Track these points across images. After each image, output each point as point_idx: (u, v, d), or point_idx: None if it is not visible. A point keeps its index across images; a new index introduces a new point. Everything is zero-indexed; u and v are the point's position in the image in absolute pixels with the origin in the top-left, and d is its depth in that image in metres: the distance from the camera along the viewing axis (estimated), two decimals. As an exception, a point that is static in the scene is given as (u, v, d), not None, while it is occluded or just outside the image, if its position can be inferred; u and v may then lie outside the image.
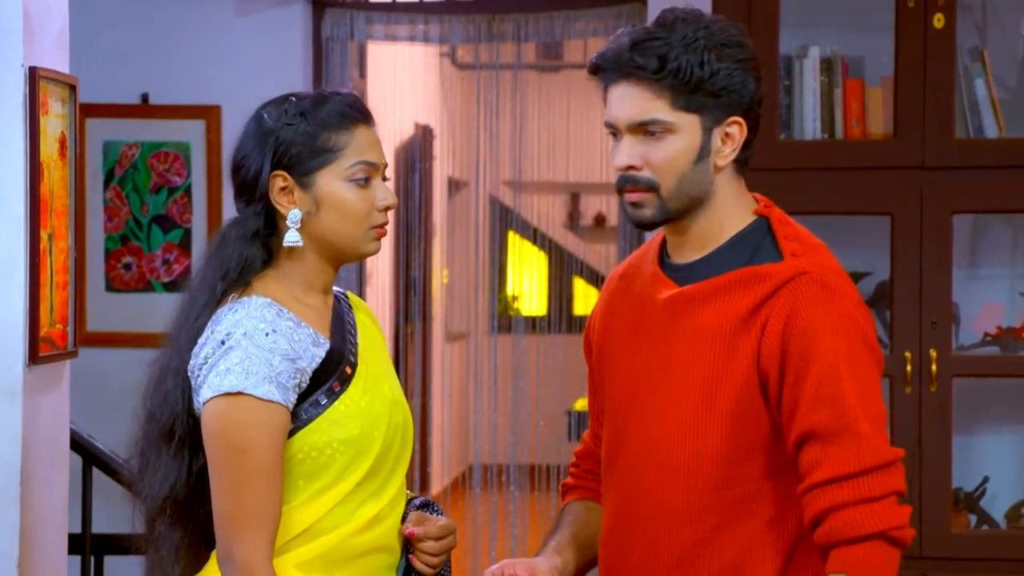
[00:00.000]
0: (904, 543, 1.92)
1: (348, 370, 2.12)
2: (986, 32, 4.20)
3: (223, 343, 2.04)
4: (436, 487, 7.61)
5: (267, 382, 2.03)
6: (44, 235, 3.16)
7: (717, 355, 1.98)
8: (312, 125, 2.10)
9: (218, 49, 5.16)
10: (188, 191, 5.18)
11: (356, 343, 2.17)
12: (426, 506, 2.24)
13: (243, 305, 2.07)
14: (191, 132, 5.17)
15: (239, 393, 2.02)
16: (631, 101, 2.00)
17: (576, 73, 6.48)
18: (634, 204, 2.02)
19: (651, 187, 2.01)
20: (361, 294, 5.75)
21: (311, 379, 2.08)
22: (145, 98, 5.20)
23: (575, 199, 9.53)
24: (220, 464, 2.04)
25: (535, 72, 6.53)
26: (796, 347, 1.94)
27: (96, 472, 3.93)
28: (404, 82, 6.71)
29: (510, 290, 9.27)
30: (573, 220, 9.59)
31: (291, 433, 2.07)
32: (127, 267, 5.21)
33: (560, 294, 8.01)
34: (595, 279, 7.77)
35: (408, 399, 7.08)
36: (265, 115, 2.13)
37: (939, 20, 3.92)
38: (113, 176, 5.20)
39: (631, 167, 2.01)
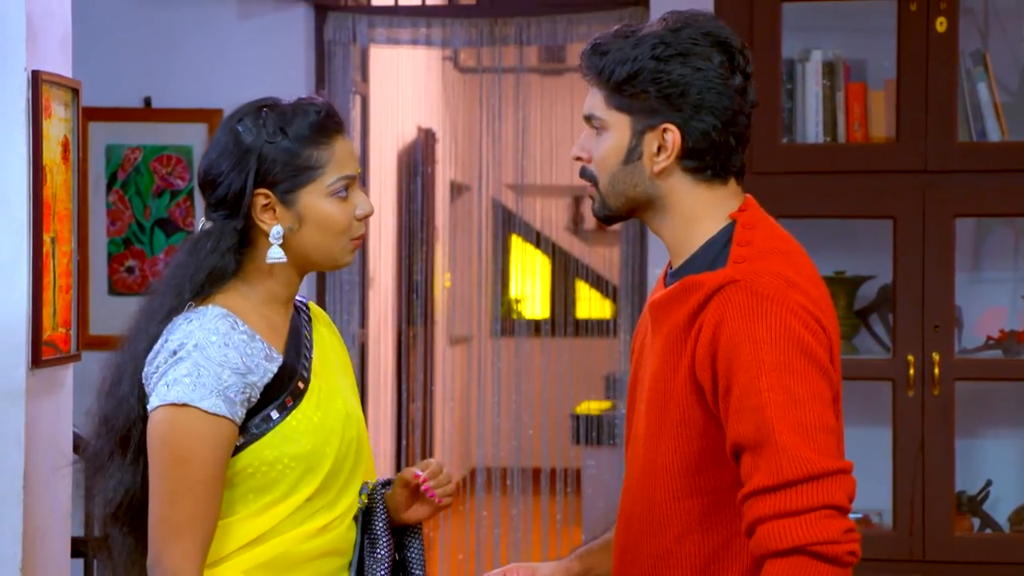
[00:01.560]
0: (838, 559, 1.84)
1: (300, 385, 2.12)
2: (988, 36, 4.20)
3: (175, 353, 2.05)
4: (439, 491, 7.59)
5: (214, 395, 2.03)
6: (47, 239, 3.17)
7: (666, 366, 1.99)
8: (293, 142, 2.10)
9: (220, 53, 5.16)
10: (191, 195, 5.18)
11: (311, 357, 2.16)
12: (386, 485, 2.23)
13: (198, 315, 2.07)
14: (193, 136, 5.18)
15: (185, 404, 2.02)
16: (589, 95, 2.05)
17: (579, 76, 6.48)
18: (589, 196, 2.08)
19: (593, 180, 2.05)
20: (363, 298, 5.76)
21: (263, 393, 2.08)
22: (148, 102, 5.20)
23: (578, 202, 9.52)
24: (160, 472, 2.04)
25: (538, 75, 6.53)
26: (723, 357, 1.91)
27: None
28: (406, 86, 6.71)
29: (513, 293, 9.27)
30: (576, 223, 9.59)
31: (241, 447, 2.07)
32: (130, 271, 5.21)
33: (563, 298, 8.00)
34: (598, 283, 7.77)
35: (410, 403, 7.09)
36: (241, 129, 2.11)
37: (941, 24, 3.92)
38: (116, 180, 5.20)
39: (578, 157, 2.06)
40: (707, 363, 1.93)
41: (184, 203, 5.19)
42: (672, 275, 2.07)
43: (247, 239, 2.12)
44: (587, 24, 5.09)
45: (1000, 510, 4.21)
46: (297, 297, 2.21)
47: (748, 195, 2.07)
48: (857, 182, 3.98)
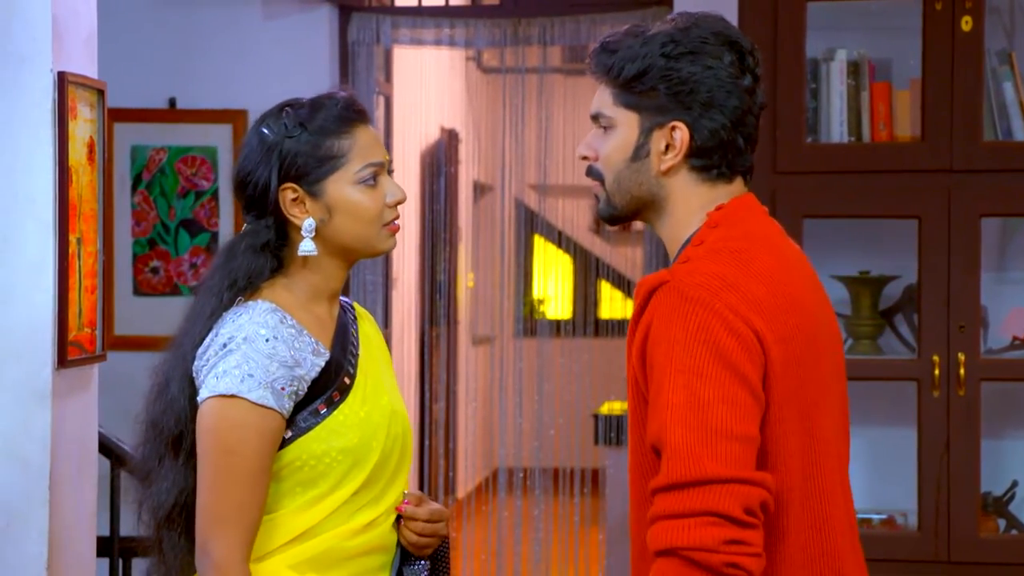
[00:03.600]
0: (713, 569, 1.78)
1: (347, 380, 2.14)
2: (1014, 35, 4.18)
3: (224, 346, 2.07)
4: (461, 491, 7.61)
5: (262, 387, 2.05)
6: (73, 239, 3.18)
7: (630, 364, 1.98)
8: (313, 134, 2.13)
9: (245, 54, 5.18)
10: (215, 195, 5.20)
11: (357, 354, 2.19)
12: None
13: (247, 310, 2.10)
14: (218, 136, 5.19)
15: (233, 396, 2.05)
16: (596, 93, 2.04)
17: (602, 77, 6.46)
18: (595, 195, 2.07)
19: (599, 178, 2.04)
20: (387, 298, 5.76)
21: (310, 388, 2.10)
22: (172, 103, 5.22)
23: (600, 203, 9.52)
24: (209, 462, 2.06)
25: (561, 75, 6.52)
26: (648, 356, 1.91)
27: (124, 475, 3.94)
28: (430, 86, 6.71)
29: (535, 294, 9.27)
30: (599, 224, 9.58)
31: (289, 440, 2.10)
32: (155, 271, 5.23)
33: (585, 298, 8.00)
34: (621, 283, 7.76)
35: (433, 403, 7.11)
36: (265, 129, 2.15)
37: (967, 23, 3.90)
38: (141, 180, 5.22)
39: (584, 156, 2.05)
40: (640, 364, 1.92)
41: (209, 204, 5.21)
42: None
43: (285, 236, 2.15)
44: (610, 24, 5.09)
45: (1026, 511, 4.19)
46: (342, 299, 2.24)
47: (748, 194, 2.04)
48: (882, 182, 3.97)
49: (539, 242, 8.39)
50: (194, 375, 2.11)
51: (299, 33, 5.18)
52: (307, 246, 2.12)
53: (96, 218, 3.30)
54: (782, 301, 1.93)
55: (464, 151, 7.71)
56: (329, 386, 2.12)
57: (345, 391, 2.13)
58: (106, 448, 3.85)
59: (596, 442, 6.23)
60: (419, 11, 5.30)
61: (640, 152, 1.99)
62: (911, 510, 4.03)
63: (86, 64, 3.28)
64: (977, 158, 3.92)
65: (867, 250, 4.20)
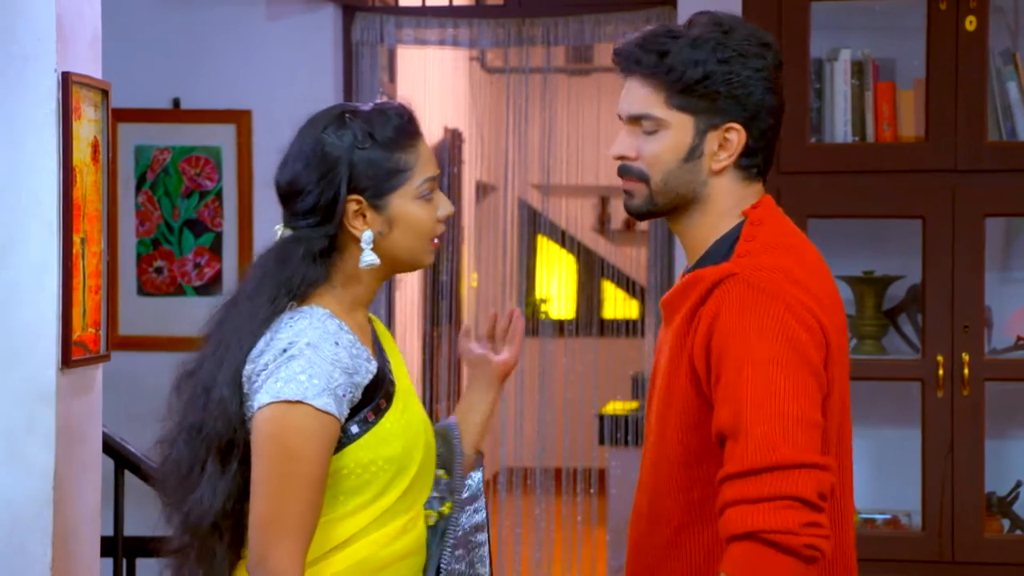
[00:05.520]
0: (793, 551, 1.84)
1: (391, 388, 2.14)
2: (1018, 34, 4.18)
3: (285, 351, 2.04)
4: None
5: (326, 393, 2.03)
6: (77, 239, 3.18)
7: (672, 360, 2.03)
8: (382, 148, 2.12)
9: (249, 54, 5.18)
10: (219, 195, 5.20)
11: (389, 363, 2.19)
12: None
13: (304, 315, 2.08)
14: (222, 136, 5.19)
15: (299, 402, 2.02)
16: (632, 94, 2.06)
17: (606, 76, 6.47)
18: (627, 192, 2.09)
19: (642, 178, 2.06)
20: (390, 299, 5.76)
21: (361, 395, 2.09)
22: (176, 103, 5.22)
23: (604, 202, 9.52)
24: (268, 469, 2.02)
25: (564, 75, 6.52)
26: (716, 348, 1.95)
27: (128, 475, 3.95)
28: (433, 86, 6.71)
29: (539, 293, 9.27)
30: (603, 223, 9.58)
31: (338, 449, 2.08)
32: (159, 271, 5.23)
33: (589, 297, 8.00)
34: (624, 283, 7.76)
35: (436, 403, 7.11)
36: (327, 138, 2.11)
37: (971, 23, 3.90)
38: (145, 180, 5.22)
39: (623, 157, 2.07)
40: (703, 353, 1.96)
41: (212, 204, 5.21)
42: (688, 272, 2.10)
43: (335, 245, 2.14)
44: (614, 24, 5.09)
45: (1030, 511, 4.18)
46: None
47: (767, 195, 2.11)
48: (886, 182, 3.97)
49: (542, 242, 8.39)
50: (244, 380, 2.07)
51: (303, 33, 5.18)
52: (370, 257, 2.11)
53: (100, 218, 3.31)
54: (830, 294, 2.03)
55: (468, 151, 7.71)
56: (377, 394, 2.11)
57: (390, 399, 2.13)
58: (110, 448, 3.85)
59: (601, 442, 6.23)
60: (423, 11, 5.30)
61: (694, 153, 2.04)
62: (915, 510, 4.03)
63: (90, 64, 3.29)
64: (981, 158, 3.92)
65: (871, 250, 4.20)
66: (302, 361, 2.03)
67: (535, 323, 6.86)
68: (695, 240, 2.08)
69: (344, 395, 2.06)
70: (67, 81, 3.12)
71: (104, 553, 3.60)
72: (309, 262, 2.11)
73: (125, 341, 5.07)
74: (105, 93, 3.33)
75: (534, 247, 8.33)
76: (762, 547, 1.84)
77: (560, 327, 6.59)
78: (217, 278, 5.19)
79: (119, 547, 3.96)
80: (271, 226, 5.91)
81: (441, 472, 2.25)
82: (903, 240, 4.09)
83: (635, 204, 2.08)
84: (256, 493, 2.03)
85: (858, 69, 4.04)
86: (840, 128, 4.04)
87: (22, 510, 3.07)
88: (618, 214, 9.64)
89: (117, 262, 5.16)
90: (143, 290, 5.22)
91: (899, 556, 3.94)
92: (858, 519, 4.05)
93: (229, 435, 2.07)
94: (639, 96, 2.04)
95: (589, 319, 7.12)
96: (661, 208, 2.08)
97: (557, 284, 9.43)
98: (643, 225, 7.13)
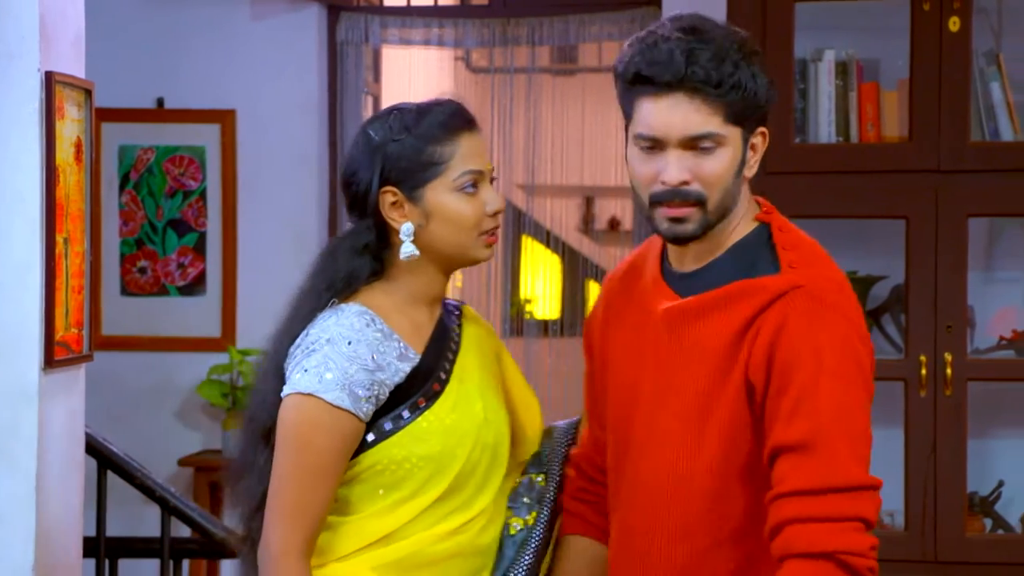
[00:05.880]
0: (859, 573, 1.86)
1: (436, 387, 2.14)
2: (1002, 35, 4.19)
3: (310, 345, 2.10)
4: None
5: (339, 388, 2.07)
6: (60, 239, 3.17)
7: (713, 370, 1.96)
8: (417, 139, 2.13)
9: (233, 53, 5.17)
10: (203, 195, 5.19)
11: (454, 360, 2.19)
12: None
13: (337, 312, 2.11)
14: (206, 136, 5.19)
15: (310, 394, 2.07)
16: (685, 114, 1.93)
17: (591, 76, 6.48)
18: (676, 219, 1.97)
19: (700, 201, 1.96)
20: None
21: (395, 392, 2.11)
22: (160, 102, 5.21)
23: (589, 203, 9.52)
24: (280, 455, 2.09)
25: (549, 75, 6.52)
26: (781, 359, 1.91)
27: (111, 475, 3.94)
28: (418, 86, 6.71)
29: (523, 293, 9.27)
30: (587, 223, 9.58)
31: (371, 444, 2.11)
32: (142, 271, 5.22)
33: (573, 297, 8.00)
34: (609, 283, 7.76)
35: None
36: (371, 131, 2.16)
37: (955, 23, 3.91)
38: (128, 180, 5.21)
39: (685, 182, 1.95)
40: (763, 364, 1.92)
41: (196, 203, 5.20)
42: (688, 277, 2.03)
43: (386, 239, 2.16)
44: (599, 24, 5.09)
45: (1012, 511, 4.20)
46: (452, 300, 2.26)
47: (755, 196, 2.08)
48: (870, 182, 3.97)
49: (527, 242, 8.39)
50: (284, 371, 2.13)
51: (287, 33, 5.18)
52: (408, 248, 2.13)
53: (83, 218, 3.30)
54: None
55: (452, 151, 7.70)
56: (415, 392, 2.12)
57: (432, 397, 2.13)
58: (93, 448, 3.84)
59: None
60: (407, 11, 5.30)
61: (742, 164, 1.99)
62: (898, 510, 4.04)
63: (74, 64, 3.28)
64: (965, 158, 3.93)
65: (855, 250, 4.21)
66: (319, 356, 2.08)
67: (520, 323, 6.87)
68: (707, 244, 2.01)
69: (365, 393, 2.08)
70: (50, 80, 3.11)
71: (86, 554, 3.59)
72: (354, 256, 2.15)
73: (108, 341, 5.06)
74: (88, 93, 3.32)
75: (518, 247, 8.33)
76: (835, 568, 1.84)
77: (545, 327, 6.60)
78: (201, 278, 5.18)
79: (101, 547, 3.95)
80: (255, 226, 5.94)
81: (540, 478, 2.25)
82: (886, 240, 4.10)
83: (689, 230, 1.97)
84: (272, 477, 2.10)
85: (842, 70, 4.05)
86: (824, 128, 4.05)
87: (4, 510, 3.06)
88: (602, 214, 9.65)
89: (100, 262, 5.15)
90: (126, 290, 5.21)
91: (882, 555, 3.91)
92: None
93: (270, 424, 2.13)
94: (695, 115, 1.93)
95: (574, 319, 7.12)
96: (711, 228, 1.99)
97: (542, 284, 9.43)
98: (627, 225, 7.14)
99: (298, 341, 2.12)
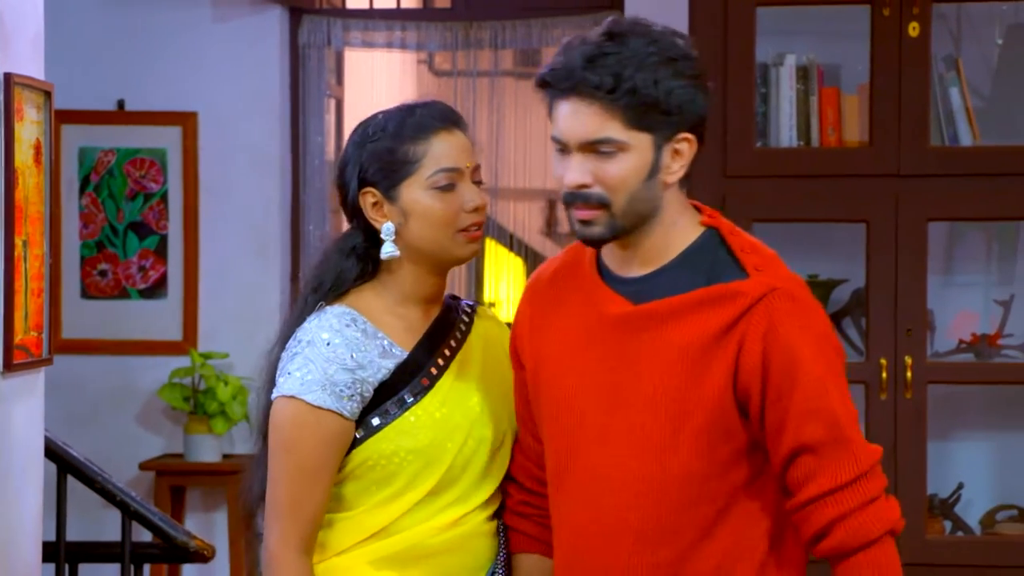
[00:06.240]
0: (897, 533, 1.97)
1: (425, 381, 2.16)
2: (961, 41, 4.22)
3: (292, 348, 2.15)
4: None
5: (320, 389, 2.10)
6: (19, 242, 3.15)
7: (687, 374, 1.96)
8: (391, 139, 2.15)
9: (195, 56, 5.15)
10: (164, 197, 5.16)
11: (452, 356, 2.19)
12: None
13: (320, 314, 2.15)
14: (167, 139, 5.16)
15: (293, 397, 2.12)
16: (583, 119, 1.95)
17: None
18: (584, 221, 1.99)
19: (602, 204, 1.97)
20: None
21: (381, 389, 2.14)
22: (121, 104, 5.18)
23: (552, 206, 9.52)
24: (271, 458, 2.14)
25: (512, 79, 6.52)
26: (778, 364, 1.93)
27: (71, 479, 3.91)
28: (381, 89, 6.69)
29: (487, 296, 9.27)
30: (550, 227, 9.58)
31: (361, 440, 2.14)
32: (103, 274, 5.18)
33: (537, 301, 7.96)
34: (572, 286, 7.76)
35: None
36: (357, 132, 2.20)
37: (914, 29, 3.94)
38: (89, 182, 5.18)
39: (584, 185, 1.97)
40: (755, 370, 1.94)
41: (158, 206, 5.17)
42: (637, 282, 2.02)
43: (375, 240, 2.18)
44: (562, 28, 5.10)
45: (971, 513, 4.23)
46: (465, 301, 2.28)
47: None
48: (830, 186, 4.00)
49: (490, 245, 8.39)
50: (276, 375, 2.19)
51: (249, 35, 5.16)
52: (389, 248, 2.15)
53: (42, 220, 3.28)
54: None
55: (416, 154, 7.69)
56: (401, 387, 2.14)
57: (420, 392, 2.15)
58: (52, 452, 3.81)
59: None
60: (370, 13, 5.29)
61: (654, 170, 1.98)
62: (859, 512, 4.05)
63: (33, 65, 3.25)
64: (924, 163, 3.96)
65: (815, 254, 4.23)
66: (301, 359, 2.12)
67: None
68: (649, 251, 2.01)
69: (347, 391, 2.11)
70: (9, 82, 3.09)
71: (46, 558, 3.57)
72: (342, 258, 2.18)
73: (68, 344, 5.02)
74: (48, 94, 3.30)
75: (482, 250, 8.34)
76: (892, 539, 1.94)
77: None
78: (162, 281, 5.16)
79: (61, 552, 3.92)
80: (216, 228, 5.92)
81: None
82: (847, 244, 4.12)
83: (596, 232, 1.98)
84: (267, 479, 2.15)
85: (803, 74, 4.07)
86: (785, 133, 4.07)
87: (-38, 515, 3.04)
88: (565, 217, 9.65)
89: (60, 265, 5.11)
90: (87, 293, 5.17)
91: (843, 558, 3.96)
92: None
93: (267, 428, 2.18)
94: (591, 120, 1.94)
95: (537, 322, 7.10)
96: (624, 231, 1.99)
97: (506, 287, 9.43)
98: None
99: (288, 345, 2.17)
